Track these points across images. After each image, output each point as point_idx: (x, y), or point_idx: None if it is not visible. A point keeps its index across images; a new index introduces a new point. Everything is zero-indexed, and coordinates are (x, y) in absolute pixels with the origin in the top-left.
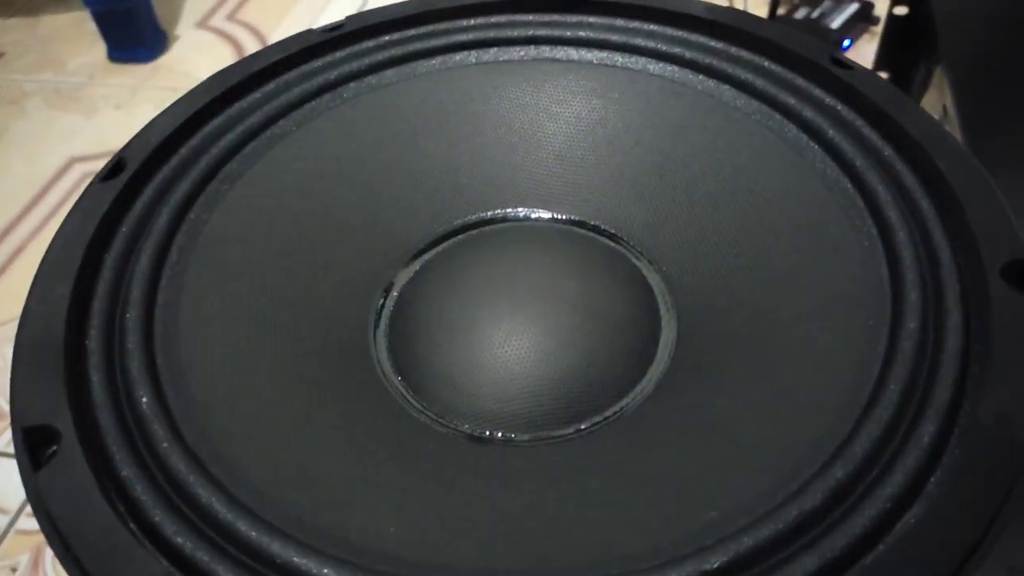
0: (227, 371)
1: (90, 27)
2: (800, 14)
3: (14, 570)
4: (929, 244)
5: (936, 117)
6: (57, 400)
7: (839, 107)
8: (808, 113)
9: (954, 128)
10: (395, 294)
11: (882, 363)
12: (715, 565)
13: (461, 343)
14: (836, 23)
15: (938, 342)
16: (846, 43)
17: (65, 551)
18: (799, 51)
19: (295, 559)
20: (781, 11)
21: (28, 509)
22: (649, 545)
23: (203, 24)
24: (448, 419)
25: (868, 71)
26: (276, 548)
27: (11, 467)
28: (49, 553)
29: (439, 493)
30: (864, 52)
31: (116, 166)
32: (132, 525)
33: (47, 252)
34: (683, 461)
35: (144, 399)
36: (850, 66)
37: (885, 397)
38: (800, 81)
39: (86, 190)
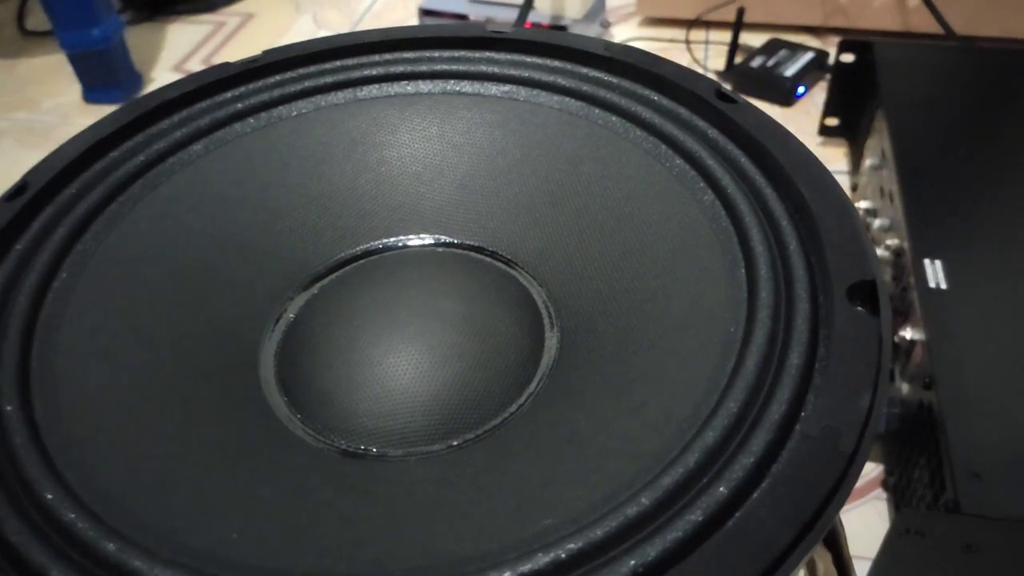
0: (101, 385)
1: (68, 69)
2: (756, 62)
3: None
4: (787, 265)
5: (876, 161)
6: None
7: (719, 138)
8: (690, 144)
9: (891, 170)
10: (289, 315)
11: (728, 378)
12: (531, 568)
13: (342, 362)
14: (791, 71)
15: (783, 359)
16: (800, 90)
17: None
18: (687, 86)
19: (128, 560)
20: (738, 60)
21: None
22: (480, 551)
23: (179, 67)
24: (325, 435)
25: (750, 105)
26: (111, 550)
27: None
28: None
29: (291, 503)
30: (818, 99)
31: (19, 189)
32: None
33: None
34: (534, 473)
35: (8, 408)
36: (734, 100)
37: (723, 410)
38: (685, 113)
39: None
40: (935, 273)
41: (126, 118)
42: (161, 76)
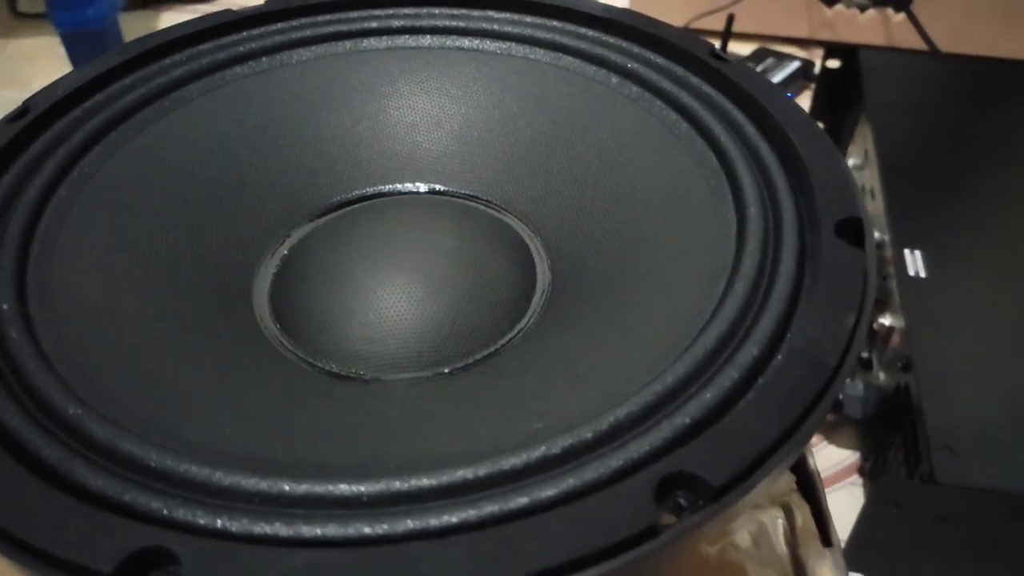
0: (96, 294)
1: (59, 51)
2: None
3: None
4: (776, 204)
5: (860, 162)
6: None
7: (712, 93)
8: (684, 98)
9: (874, 169)
10: (284, 249)
11: (717, 302)
12: (523, 461)
13: (336, 289)
14: (777, 79)
15: (770, 285)
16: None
17: None
18: (682, 45)
19: (119, 442)
20: None
21: None
22: (472, 450)
23: None
24: (316, 359)
25: (743, 64)
26: (101, 432)
27: None
28: None
29: (283, 407)
30: (803, 107)
31: (21, 112)
32: None
33: None
34: (524, 389)
35: (4, 306)
36: (726, 60)
37: (712, 328)
38: (680, 71)
39: None
40: (915, 262)
41: (130, 54)
42: None
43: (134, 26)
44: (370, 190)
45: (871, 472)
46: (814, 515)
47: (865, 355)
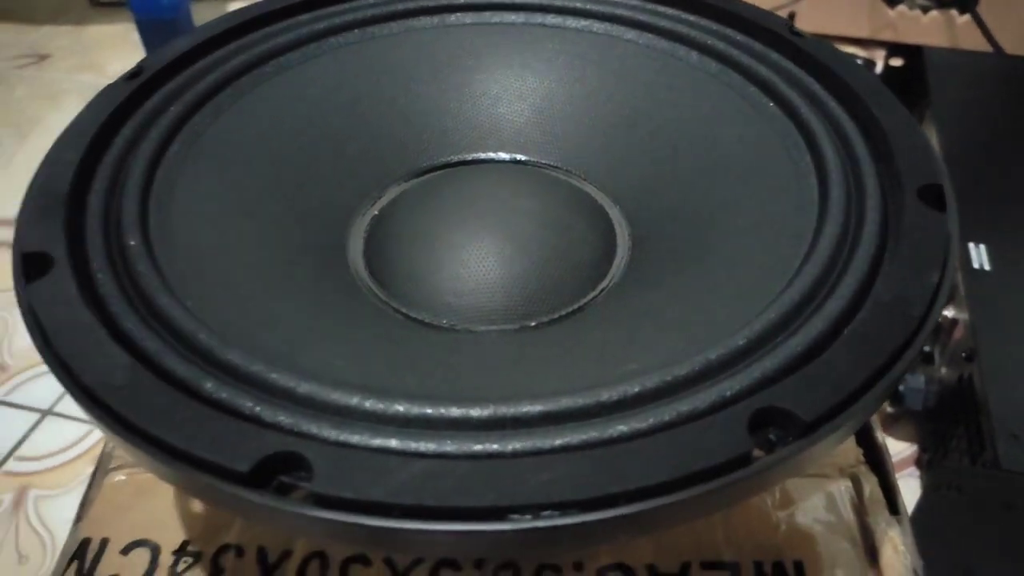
0: (211, 238)
1: (133, 37)
2: None
3: None
4: (858, 172)
5: None
6: (54, 234)
7: (792, 68)
8: (764, 72)
9: None
10: (375, 210)
11: (802, 260)
12: (620, 395)
13: (428, 245)
14: None
15: (854, 245)
16: None
17: (45, 345)
18: (760, 21)
19: (247, 364)
20: None
21: (18, 453)
22: (569, 386)
23: None
24: (407, 310)
25: (821, 40)
26: (231, 356)
27: (5, 414)
28: (32, 493)
29: (387, 347)
30: None
31: (135, 72)
32: (106, 332)
33: (65, 129)
34: (614, 337)
35: (132, 243)
36: (803, 35)
37: (799, 282)
38: (759, 47)
39: (107, 86)
40: (979, 256)
41: (234, 22)
42: None
43: (204, 14)
44: (455, 158)
45: (929, 464)
46: (882, 486)
47: (927, 349)
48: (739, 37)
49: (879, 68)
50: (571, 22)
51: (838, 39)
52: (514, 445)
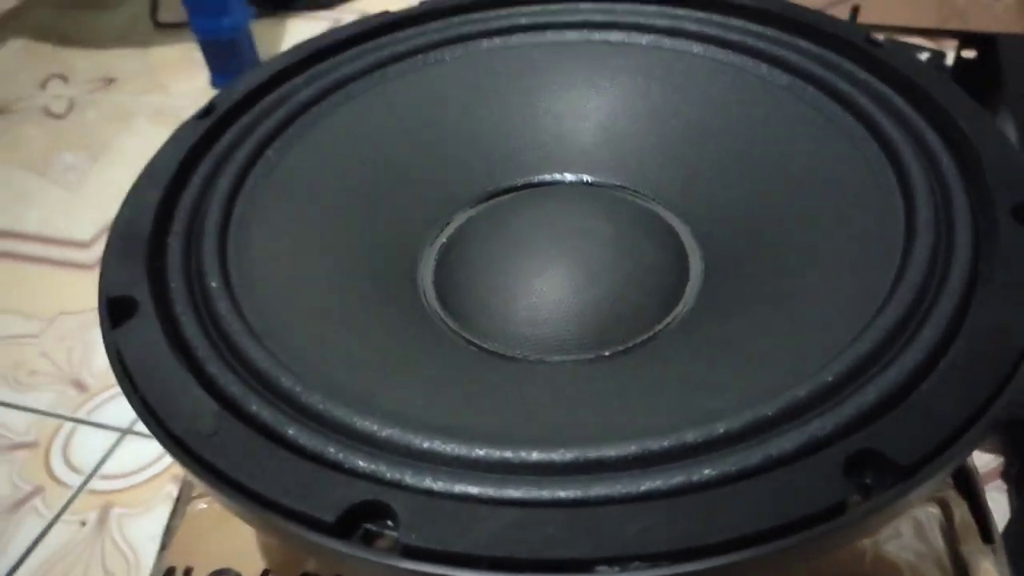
0: (287, 275)
1: (196, 57)
2: None
3: (83, 524)
4: (946, 190)
5: None
6: (138, 277)
7: (870, 79)
8: (840, 84)
9: None
10: (443, 237)
11: (891, 286)
12: (706, 436)
13: (499, 273)
14: None
15: (946, 269)
16: None
17: (133, 391)
18: (835, 31)
19: (330, 409)
20: None
21: (100, 472)
22: (652, 425)
23: None
24: (481, 341)
25: (899, 49)
26: (313, 400)
27: (88, 433)
28: (115, 511)
29: (465, 384)
30: None
31: (207, 110)
32: (192, 377)
33: (143, 169)
34: (694, 371)
35: (213, 283)
36: (882, 44)
37: (889, 311)
38: (834, 57)
39: (182, 125)
40: None
41: (300, 55)
42: None
43: (263, 33)
44: (520, 180)
45: (1018, 477)
46: (973, 512)
47: None
48: (812, 48)
49: (950, 60)
50: (636, 38)
51: (904, 30)
52: (599, 491)
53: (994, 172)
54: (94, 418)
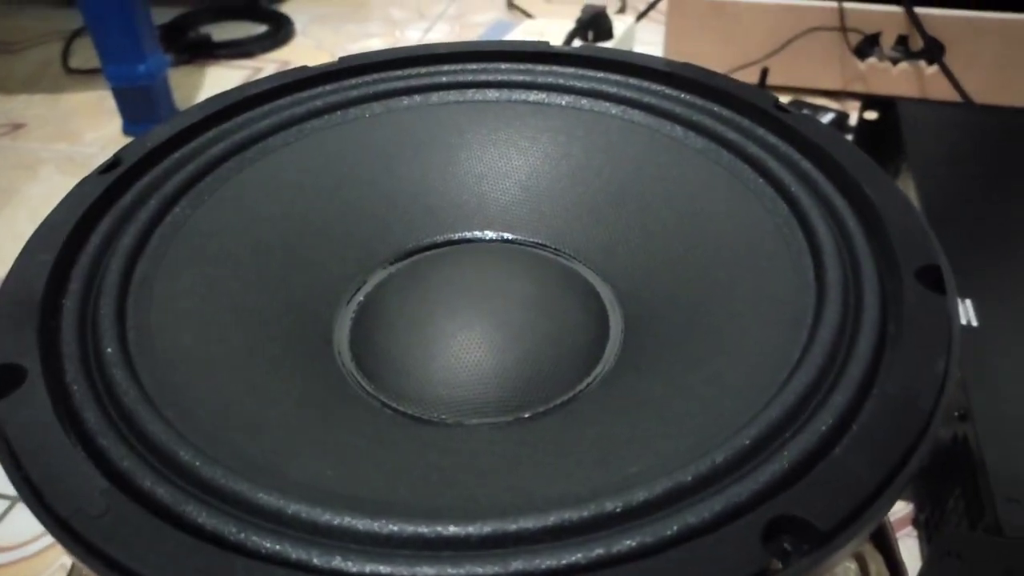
0: (192, 338)
1: (109, 104)
2: None
3: None
4: (853, 253)
5: None
6: (28, 344)
7: (780, 144)
8: (752, 148)
9: None
10: (361, 296)
11: (802, 348)
12: (624, 505)
13: (416, 335)
14: None
15: (855, 332)
16: None
17: (16, 469)
18: (746, 97)
19: (231, 484)
20: None
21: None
22: (571, 492)
23: None
24: (398, 403)
25: (807, 115)
26: (214, 474)
27: None
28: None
29: (378, 451)
30: None
31: (113, 164)
32: (82, 451)
33: (38, 227)
34: (613, 433)
35: (108, 349)
36: (790, 111)
37: (801, 373)
38: (746, 122)
39: (82, 180)
40: (965, 311)
41: (213, 108)
42: None
43: (181, 81)
44: (440, 238)
45: (927, 524)
46: (888, 566)
47: None
48: (725, 113)
49: (853, 120)
50: (555, 98)
51: (810, 91)
52: (518, 566)
53: (897, 235)
54: None
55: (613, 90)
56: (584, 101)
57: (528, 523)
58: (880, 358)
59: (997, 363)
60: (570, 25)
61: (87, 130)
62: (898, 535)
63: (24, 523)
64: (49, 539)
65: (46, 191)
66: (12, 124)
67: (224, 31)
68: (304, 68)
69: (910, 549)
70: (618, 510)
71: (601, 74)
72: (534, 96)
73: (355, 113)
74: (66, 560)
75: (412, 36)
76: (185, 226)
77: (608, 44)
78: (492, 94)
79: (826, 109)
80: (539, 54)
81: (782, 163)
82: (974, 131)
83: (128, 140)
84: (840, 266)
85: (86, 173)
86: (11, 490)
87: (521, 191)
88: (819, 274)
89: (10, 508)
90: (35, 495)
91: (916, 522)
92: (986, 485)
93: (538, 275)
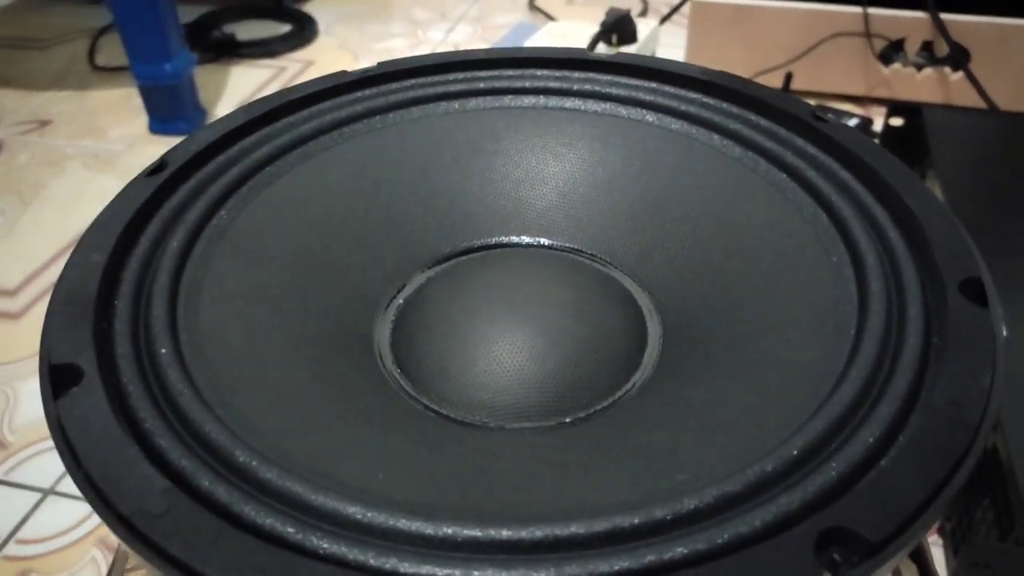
0: (240, 340)
1: (136, 102)
2: None
3: None
4: (894, 264)
5: None
6: (84, 344)
7: (818, 154)
8: (790, 158)
9: None
10: (401, 299)
11: (847, 359)
12: (672, 513)
13: (458, 339)
14: None
15: (899, 343)
16: None
17: (76, 467)
18: (784, 107)
19: (289, 486)
20: None
21: (17, 536)
22: (619, 500)
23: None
24: (440, 407)
25: (845, 125)
26: (271, 475)
27: (5, 494)
28: None
29: (426, 455)
30: None
31: (159, 166)
32: (140, 450)
33: (89, 227)
34: (657, 440)
35: (163, 350)
36: (827, 120)
37: (847, 384)
38: (783, 132)
39: (131, 182)
40: None
41: (256, 112)
42: (224, 112)
43: (206, 79)
44: (478, 242)
45: (954, 533)
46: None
47: None
48: (763, 122)
49: (878, 126)
50: (592, 105)
51: (834, 96)
52: (572, 571)
53: (940, 248)
54: (12, 478)
55: (650, 98)
56: (621, 109)
57: (580, 528)
58: (925, 370)
59: None
60: (593, 28)
61: (113, 127)
62: None
63: (56, 515)
64: (80, 532)
65: (72, 187)
66: (39, 120)
67: (248, 30)
68: (344, 73)
69: (936, 559)
70: (668, 518)
71: (637, 82)
72: (570, 103)
73: (393, 118)
74: (97, 553)
75: (434, 37)
76: (230, 229)
77: (632, 47)
78: (529, 100)
79: (850, 115)
80: (575, 61)
81: (821, 173)
82: (999, 138)
83: (154, 137)
84: (883, 277)
85: (112, 169)
86: (43, 482)
87: (558, 197)
88: (861, 285)
89: (42, 500)
90: (97, 493)
91: (943, 531)
92: (1016, 495)
93: (576, 280)
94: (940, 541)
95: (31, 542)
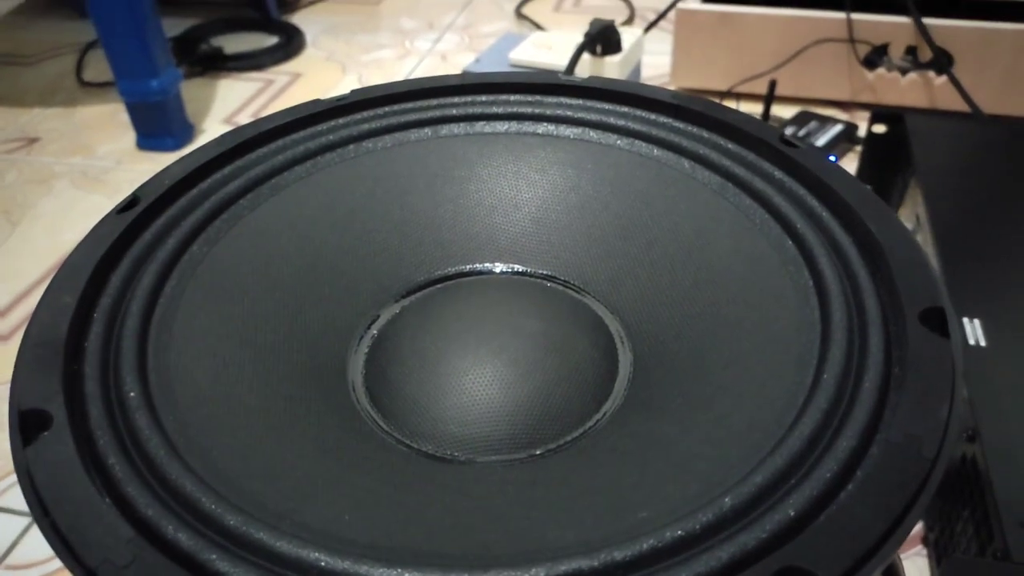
0: (211, 379)
1: (123, 118)
2: (787, 132)
3: None
4: (857, 293)
5: (911, 226)
6: (53, 389)
7: (785, 179)
8: (758, 183)
9: (926, 234)
10: (374, 330)
11: (808, 391)
12: (632, 554)
13: (429, 372)
14: (821, 142)
15: (859, 375)
16: (831, 160)
17: (43, 515)
18: (752, 132)
19: (253, 532)
20: None
21: (6, 562)
22: (582, 539)
23: (229, 120)
24: (412, 440)
25: (813, 149)
26: (236, 522)
27: None
28: None
29: (393, 493)
30: (848, 169)
31: (131, 202)
32: (107, 498)
33: (60, 268)
34: (623, 475)
35: (131, 393)
36: (797, 145)
37: (807, 418)
38: (752, 157)
39: (102, 220)
40: (974, 331)
41: (228, 144)
42: (212, 128)
43: (193, 93)
44: (452, 270)
45: (936, 543)
46: None
47: None
48: (731, 146)
49: (862, 131)
50: (564, 130)
51: (819, 102)
52: None
53: (902, 276)
54: (1, 503)
55: (621, 123)
56: (592, 133)
57: (540, 572)
58: (884, 401)
59: (1004, 383)
60: (578, 38)
61: (101, 143)
62: (908, 553)
63: (43, 541)
64: None
65: (61, 205)
66: (27, 138)
67: (235, 43)
68: (316, 102)
69: (921, 569)
70: (627, 559)
71: (609, 106)
72: (543, 128)
73: (367, 147)
74: None
75: (422, 46)
76: (202, 264)
77: (617, 57)
78: (501, 126)
79: (834, 120)
80: (548, 85)
81: (788, 199)
82: (983, 143)
83: (142, 154)
84: (845, 307)
85: (101, 187)
86: None
87: (531, 223)
88: (824, 314)
89: (31, 525)
90: (63, 543)
91: (926, 541)
92: (994, 508)
93: (548, 309)
94: (924, 551)
95: (20, 567)
